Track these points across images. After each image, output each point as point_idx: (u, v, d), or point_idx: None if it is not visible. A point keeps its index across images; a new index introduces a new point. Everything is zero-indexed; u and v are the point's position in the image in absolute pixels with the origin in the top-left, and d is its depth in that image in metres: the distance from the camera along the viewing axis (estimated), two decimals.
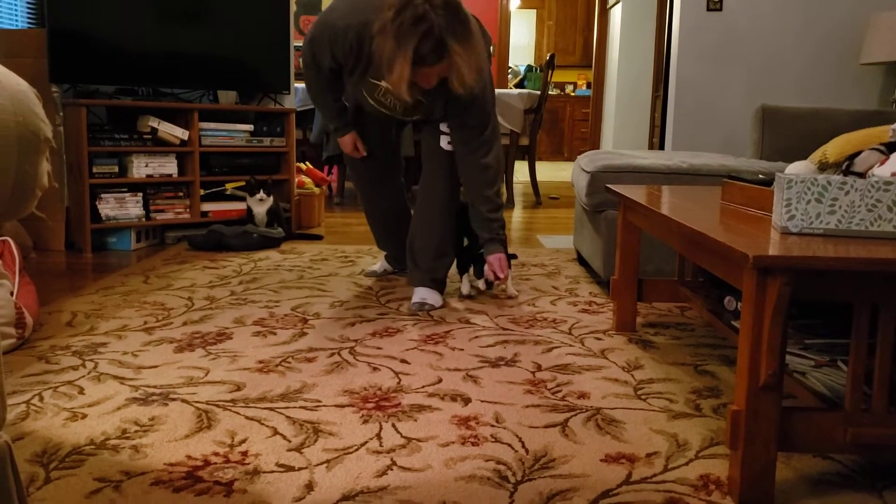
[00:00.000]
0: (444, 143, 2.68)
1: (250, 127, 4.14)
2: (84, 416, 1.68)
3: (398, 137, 3.01)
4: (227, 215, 4.06)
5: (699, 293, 2.28)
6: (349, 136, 2.85)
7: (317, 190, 4.54)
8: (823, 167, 2.20)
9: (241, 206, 4.05)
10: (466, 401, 1.81)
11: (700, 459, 1.52)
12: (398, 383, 1.91)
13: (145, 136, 3.78)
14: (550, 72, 6.01)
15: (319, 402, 1.78)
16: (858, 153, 1.86)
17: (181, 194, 3.94)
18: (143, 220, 3.80)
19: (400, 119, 2.77)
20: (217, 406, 1.75)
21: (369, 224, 3.13)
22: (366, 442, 1.57)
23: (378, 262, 3.24)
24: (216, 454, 1.50)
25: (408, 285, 2.84)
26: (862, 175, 1.81)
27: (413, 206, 2.87)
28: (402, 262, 3.02)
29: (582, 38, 11.36)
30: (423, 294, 2.69)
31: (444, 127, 2.67)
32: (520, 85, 10.70)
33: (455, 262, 2.88)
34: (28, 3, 4.02)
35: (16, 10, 3.93)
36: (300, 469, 1.45)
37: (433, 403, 1.78)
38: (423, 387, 1.89)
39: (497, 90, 5.74)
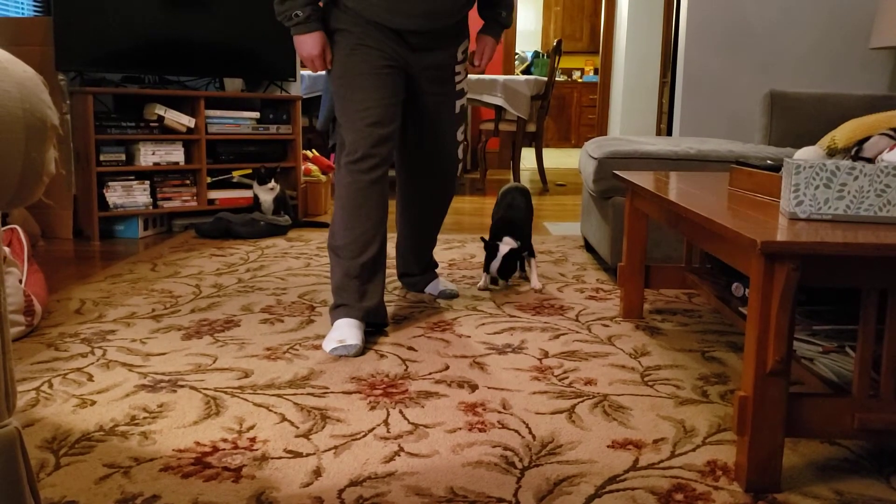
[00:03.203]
0: (459, 106, 2.39)
1: (256, 114, 4.15)
2: (93, 403, 1.69)
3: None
4: (234, 203, 4.07)
5: (706, 279, 2.27)
6: (315, 35, 2.14)
7: (323, 177, 4.54)
8: (832, 153, 2.19)
9: (247, 193, 4.06)
10: (473, 387, 1.81)
11: (707, 445, 1.52)
12: (405, 370, 1.92)
13: (152, 124, 3.79)
14: (557, 58, 5.98)
15: (327, 388, 1.79)
16: (867, 138, 1.85)
17: (188, 182, 3.95)
18: (151, 207, 3.81)
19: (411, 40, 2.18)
20: (225, 393, 1.76)
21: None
22: (373, 428, 1.58)
23: (339, 329, 2.11)
24: (224, 440, 1.51)
25: (421, 289, 2.69)
26: (871, 160, 1.80)
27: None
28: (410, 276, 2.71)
29: (589, 23, 11.30)
30: (446, 283, 2.68)
31: (458, 78, 2.35)
32: (527, 71, 10.65)
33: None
34: None
35: None
36: (308, 455, 1.45)
37: (440, 390, 1.79)
38: (430, 373, 1.89)
39: (504, 77, 5.73)
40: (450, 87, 2.35)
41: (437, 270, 2.75)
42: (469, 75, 5.60)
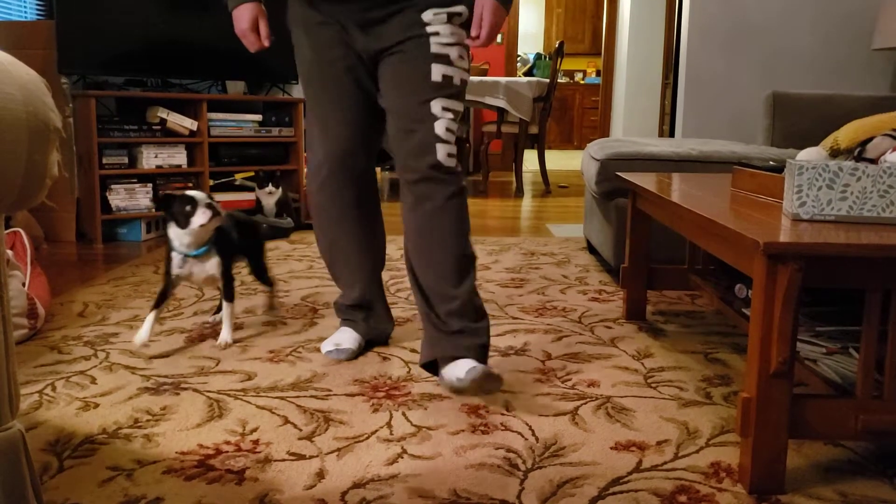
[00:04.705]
0: (437, 73, 1.76)
1: (259, 117, 4.15)
2: (96, 406, 1.69)
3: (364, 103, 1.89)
4: (237, 206, 4.06)
5: (709, 281, 2.27)
6: (242, 7, 1.88)
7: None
8: (835, 153, 2.18)
9: (250, 196, 4.06)
10: None
11: (711, 447, 1.52)
12: (408, 372, 1.92)
13: (154, 127, 3.79)
14: (559, 60, 5.98)
15: (330, 391, 1.79)
16: (870, 139, 1.85)
17: (191, 185, 3.95)
18: (153, 210, 3.81)
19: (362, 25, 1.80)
20: (228, 395, 1.76)
21: (324, 252, 2.08)
22: (376, 430, 1.57)
23: (340, 333, 2.09)
24: (228, 443, 1.51)
25: (433, 359, 1.81)
26: (874, 161, 1.80)
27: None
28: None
29: (591, 25, 11.30)
30: (473, 366, 1.67)
31: (436, 39, 1.77)
32: (529, 73, 10.66)
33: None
34: None
35: (25, 1, 3.94)
36: (311, 457, 1.45)
37: (443, 392, 1.78)
38: (432, 376, 1.89)
39: (506, 78, 5.73)
40: (419, 43, 1.77)
41: None
42: (471, 77, 5.61)
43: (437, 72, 1.77)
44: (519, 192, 5.77)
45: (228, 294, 2.15)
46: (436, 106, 1.76)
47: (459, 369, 1.68)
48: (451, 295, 1.77)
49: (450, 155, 1.77)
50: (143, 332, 2.04)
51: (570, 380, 1.88)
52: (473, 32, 1.78)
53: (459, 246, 1.79)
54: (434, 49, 1.77)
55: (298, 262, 3.20)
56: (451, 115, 1.78)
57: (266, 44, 1.92)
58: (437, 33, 1.78)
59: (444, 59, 1.78)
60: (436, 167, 1.75)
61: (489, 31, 1.76)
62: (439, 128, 1.76)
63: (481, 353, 1.76)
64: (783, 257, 1.25)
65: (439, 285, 1.78)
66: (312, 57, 1.89)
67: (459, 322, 1.76)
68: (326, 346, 2.06)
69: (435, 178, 1.76)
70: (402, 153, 1.80)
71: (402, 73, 1.79)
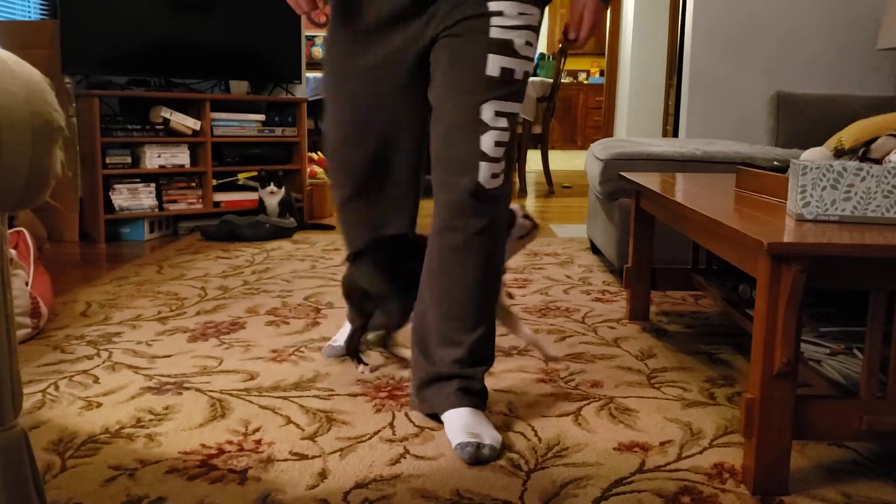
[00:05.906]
0: (495, 66, 1.48)
1: (262, 117, 4.15)
2: (99, 405, 1.69)
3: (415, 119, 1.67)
4: (240, 205, 4.07)
5: (713, 281, 2.27)
6: None
7: (328, 180, 4.54)
8: (839, 154, 2.18)
9: (253, 196, 4.07)
10: None
11: (714, 448, 1.51)
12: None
13: (157, 127, 3.80)
14: (563, 60, 5.98)
15: (332, 391, 1.79)
16: (875, 139, 1.85)
17: (194, 185, 3.96)
18: (156, 210, 3.81)
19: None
20: (231, 395, 1.76)
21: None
22: (379, 430, 1.57)
23: (343, 332, 2.05)
24: (230, 442, 1.51)
25: (417, 408, 1.66)
26: (878, 161, 1.79)
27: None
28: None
29: None
30: (468, 422, 1.51)
31: (497, 21, 1.48)
32: (532, 73, 10.65)
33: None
34: None
35: (28, 1, 3.95)
36: (314, 457, 1.45)
37: None
38: None
39: None
40: (476, 25, 1.48)
41: None
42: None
43: (494, 64, 1.47)
44: (522, 193, 5.77)
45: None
46: (487, 111, 1.47)
47: (454, 428, 1.51)
48: (456, 340, 1.55)
49: (494, 175, 1.48)
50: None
51: (573, 380, 1.88)
52: (571, 35, 1.57)
53: (483, 287, 1.54)
54: (494, 34, 1.46)
55: (301, 262, 3.20)
56: (503, 124, 1.48)
57: (323, 18, 1.63)
58: (499, 13, 1.47)
59: (505, 48, 1.48)
60: (474, 192, 1.47)
61: (588, 32, 1.56)
62: (486, 142, 1.47)
63: (475, 398, 1.57)
64: (787, 258, 1.25)
65: (444, 324, 1.56)
66: (339, 32, 1.66)
67: (452, 368, 1.56)
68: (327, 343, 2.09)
69: (469, 206, 1.49)
70: (438, 166, 1.53)
71: (452, 64, 1.50)
